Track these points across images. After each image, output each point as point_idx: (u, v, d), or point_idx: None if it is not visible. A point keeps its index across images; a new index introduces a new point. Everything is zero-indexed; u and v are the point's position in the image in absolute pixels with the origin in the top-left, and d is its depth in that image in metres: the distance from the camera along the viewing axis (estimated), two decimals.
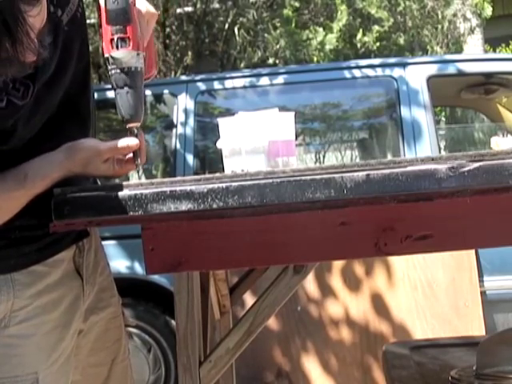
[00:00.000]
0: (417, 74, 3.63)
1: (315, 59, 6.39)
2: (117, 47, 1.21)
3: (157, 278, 3.40)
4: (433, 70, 3.70)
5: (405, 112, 3.58)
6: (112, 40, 1.21)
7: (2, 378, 1.22)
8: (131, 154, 1.25)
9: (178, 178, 1.16)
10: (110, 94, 3.83)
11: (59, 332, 1.29)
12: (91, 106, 1.38)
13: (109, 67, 1.24)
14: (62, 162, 1.19)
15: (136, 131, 1.24)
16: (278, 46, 6.44)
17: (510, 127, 4.43)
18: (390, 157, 3.74)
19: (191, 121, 3.71)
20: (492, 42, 9.29)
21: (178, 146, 3.66)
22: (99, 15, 1.27)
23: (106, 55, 1.23)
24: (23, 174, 1.17)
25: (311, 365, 3.31)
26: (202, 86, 3.82)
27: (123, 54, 1.22)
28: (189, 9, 6.93)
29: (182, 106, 3.74)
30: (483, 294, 3.29)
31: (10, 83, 1.12)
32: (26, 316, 1.24)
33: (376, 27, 6.76)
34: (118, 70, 1.23)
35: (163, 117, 4.06)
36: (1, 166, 1.17)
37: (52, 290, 1.29)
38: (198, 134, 3.76)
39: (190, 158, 3.64)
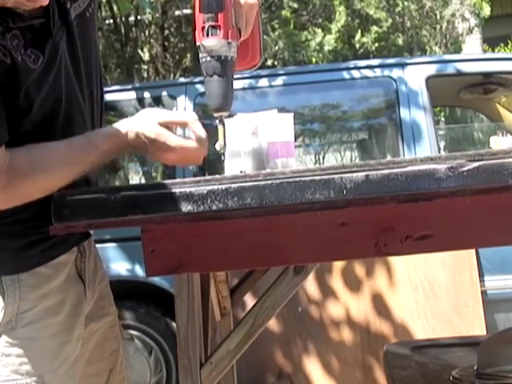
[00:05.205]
0: (416, 75, 3.63)
1: (314, 60, 6.39)
2: (207, 35, 1.23)
3: (157, 280, 3.40)
4: (432, 70, 3.69)
5: (404, 112, 3.58)
6: (203, 28, 1.23)
7: (7, 381, 1.22)
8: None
9: (178, 180, 1.16)
10: (109, 97, 3.83)
11: (63, 336, 1.30)
12: (101, 105, 1.41)
13: (200, 55, 1.25)
14: (124, 121, 1.24)
15: (223, 120, 1.27)
16: (276, 48, 6.45)
17: (510, 127, 4.43)
18: (389, 157, 3.73)
19: None
20: (491, 42, 9.29)
21: None
22: (193, 5, 1.29)
23: (198, 43, 1.25)
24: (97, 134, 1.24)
25: (312, 366, 3.31)
26: (201, 87, 3.81)
27: (213, 42, 1.23)
28: (187, 11, 6.93)
29: (181, 107, 3.73)
30: (484, 293, 3.29)
31: (22, 48, 1.18)
32: (32, 319, 1.25)
33: (374, 28, 6.77)
34: (209, 58, 1.24)
35: None
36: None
37: (56, 294, 1.29)
38: None
39: None
